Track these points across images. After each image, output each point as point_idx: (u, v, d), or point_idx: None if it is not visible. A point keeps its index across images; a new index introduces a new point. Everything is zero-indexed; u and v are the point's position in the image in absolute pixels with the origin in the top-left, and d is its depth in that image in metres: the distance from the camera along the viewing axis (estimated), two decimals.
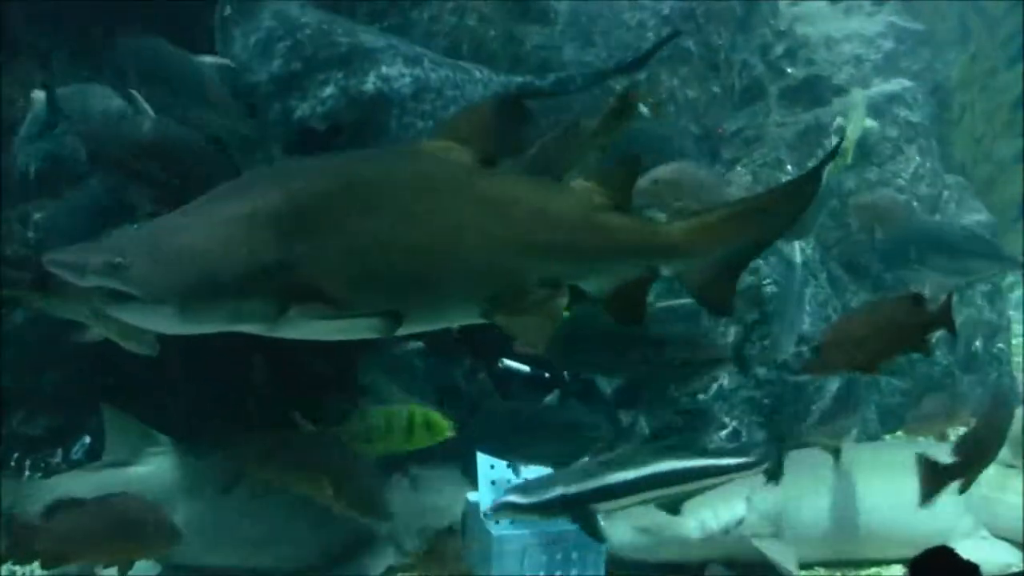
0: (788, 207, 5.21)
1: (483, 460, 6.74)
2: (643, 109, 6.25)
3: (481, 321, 4.62)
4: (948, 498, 6.71)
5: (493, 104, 5.24)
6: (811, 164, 5.44)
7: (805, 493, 7.00)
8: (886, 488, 7.00)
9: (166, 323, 4.09)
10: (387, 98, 6.90)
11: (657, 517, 6.65)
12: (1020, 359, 10.45)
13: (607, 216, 4.92)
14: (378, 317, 4.24)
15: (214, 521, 6.54)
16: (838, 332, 6.23)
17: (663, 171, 6.65)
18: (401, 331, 4.46)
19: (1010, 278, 10.90)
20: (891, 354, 6.28)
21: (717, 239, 5.06)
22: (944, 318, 6.11)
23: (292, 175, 4.40)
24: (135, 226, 4.57)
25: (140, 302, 3.95)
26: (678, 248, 5.03)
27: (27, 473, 6.95)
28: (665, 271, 5.06)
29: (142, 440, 6.61)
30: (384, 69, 6.91)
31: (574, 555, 6.62)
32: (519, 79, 7.37)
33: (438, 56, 7.30)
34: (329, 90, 6.82)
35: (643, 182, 6.29)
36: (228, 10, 7.22)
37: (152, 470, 6.56)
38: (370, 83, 6.84)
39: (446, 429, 6.27)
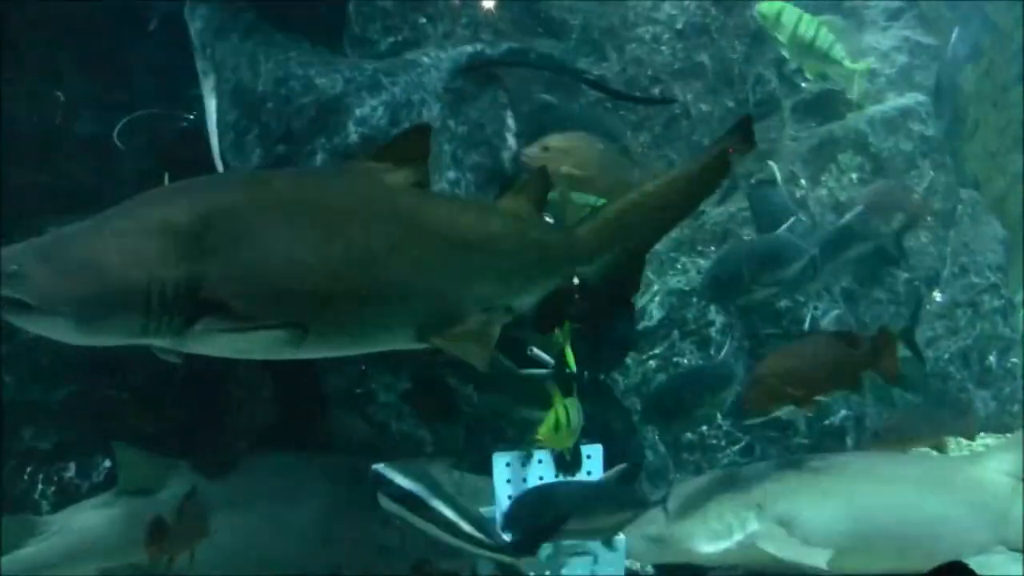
0: (690, 192, 5.20)
1: (499, 475, 6.72)
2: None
3: (418, 345, 4.57)
4: (963, 512, 6.73)
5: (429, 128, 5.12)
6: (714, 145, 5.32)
7: (817, 503, 6.95)
8: (899, 500, 6.94)
9: (64, 334, 4.03)
10: (371, 139, 6.83)
11: (669, 528, 6.64)
12: None
13: (536, 232, 4.95)
14: (285, 332, 4.16)
15: (234, 541, 6.52)
16: (767, 370, 6.20)
17: (555, 138, 6.37)
18: (325, 353, 4.49)
19: (1022, 292, 10.87)
20: (822, 392, 6.24)
21: (622, 233, 5.07)
22: (881, 361, 6.07)
23: (207, 189, 4.36)
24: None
25: (38, 311, 3.91)
26: (591, 250, 5.04)
27: (40, 487, 6.92)
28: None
29: (156, 470, 6.59)
30: (358, 112, 6.83)
31: (596, 567, 6.59)
32: (469, 49, 7.29)
33: (382, 63, 7.15)
34: (320, 157, 6.71)
35: (532, 149, 6.22)
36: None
37: (166, 497, 6.54)
38: (353, 134, 6.70)
39: None
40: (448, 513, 6.13)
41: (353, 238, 4.33)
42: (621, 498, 6.50)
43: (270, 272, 4.15)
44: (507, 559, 6.13)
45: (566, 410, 6.14)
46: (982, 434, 9.27)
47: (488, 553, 6.16)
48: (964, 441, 8.95)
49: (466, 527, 6.13)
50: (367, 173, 4.58)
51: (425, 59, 7.10)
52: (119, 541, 6.37)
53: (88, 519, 6.51)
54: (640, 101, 7.97)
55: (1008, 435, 9.12)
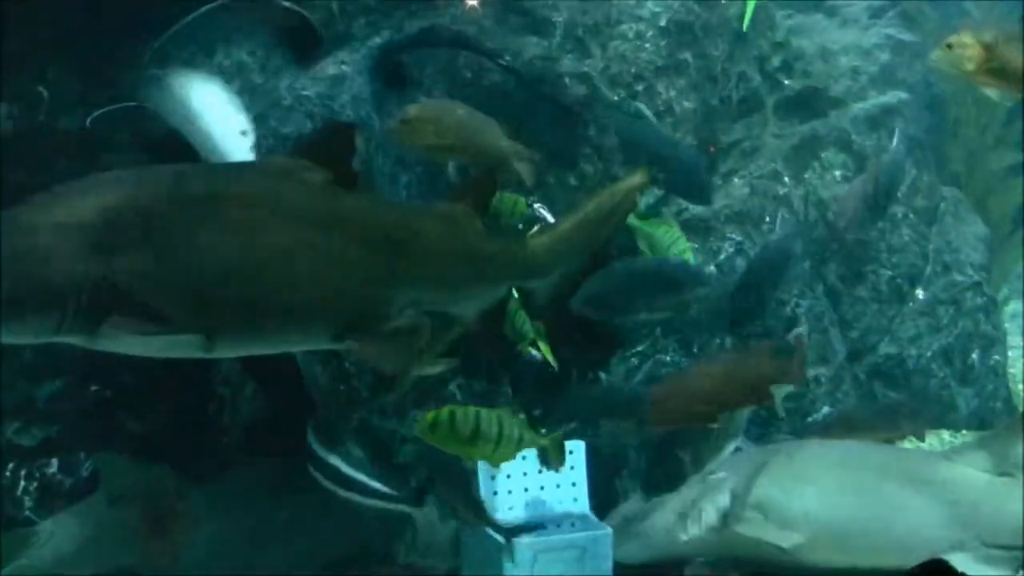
0: (622, 209, 5.37)
1: (485, 471, 6.74)
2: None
3: (336, 347, 4.51)
4: (938, 508, 6.76)
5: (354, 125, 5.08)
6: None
7: (794, 488, 6.95)
8: (875, 489, 6.96)
9: None
10: None
11: (649, 521, 6.67)
12: (1017, 371, 10.44)
13: (474, 239, 4.89)
14: (196, 334, 4.09)
15: (220, 545, 6.52)
16: (672, 387, 6.17)
17: (414, 108, 6.14)
18: (240, 352, 4.45)
19: (1005, 290, 10.92)
20: (732, 407, 6.23)
21: (570, 249, 5.15)
22: (790, 375, 6.07)
23: (120, 185, 4.21)
24: None
25: None
26: (540, 266, 5.06)
27: (22, 484, 6.91)
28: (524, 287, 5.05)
29: (138, 476, 6.58)
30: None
31: (582, 562, 6.60)
32: (379, 40, 7.34)
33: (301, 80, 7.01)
34: None
35: (394, 122, 6.04)
36: None
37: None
38: None
39: None
40: (344, 467, 6.12)
41: (269, 237, 4.24)
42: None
43: (182, 271, 4.07)
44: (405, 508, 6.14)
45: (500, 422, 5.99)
46: (964, 432, 9.33)
47: (384, 504, 6.15)
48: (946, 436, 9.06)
49: (362, 478, 6.12)
50: (287, 171, 4.48)
51: (332, 69, 7.06)
52: (109, 546, 6.38)
53: (76, 527, 6.50)
54: (550, 98, 7.90)
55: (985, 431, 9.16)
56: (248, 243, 4.18)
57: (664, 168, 7.25)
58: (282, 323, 4.36)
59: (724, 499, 6.84)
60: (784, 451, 7.14)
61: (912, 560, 6.52)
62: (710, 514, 6.80)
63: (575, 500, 7.04)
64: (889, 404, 8.90)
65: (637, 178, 5.39)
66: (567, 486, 6.98)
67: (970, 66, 6.29)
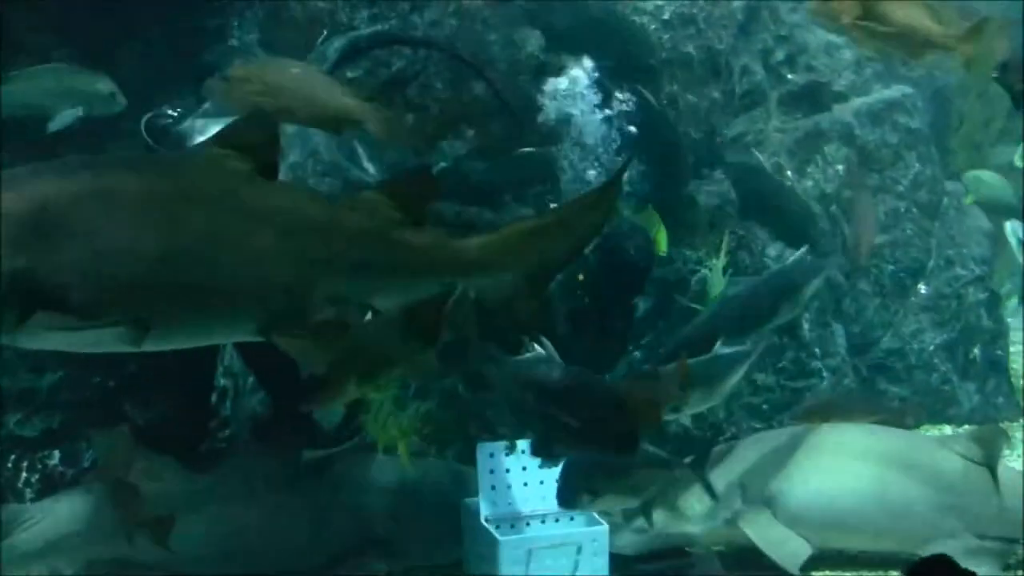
0: (589, 219, 5.15)
1: (483, 465, 6.74)
2: None
3: (260, 339, 4.41)
4: (932, 497, 6.78)
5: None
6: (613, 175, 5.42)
7: (797, 481, 6.98)
8: (875, 477, 6.99)
9: None
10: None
11: (656, 511, 6.68)
12: (1019, 366, 10.45)
13: (400, 232, 4.74)
14: (124, 328, 3.99)
15: (216, 534, 6.51)
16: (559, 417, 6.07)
17: (241, 66, 5.81)
18: (165, 346, 4.31)
19: (1007, 285, 10.92)
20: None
21: (517, 254, 4.95)
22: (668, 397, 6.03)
23: (41, 176, 4.09)
24: None
25: None
26: (476, 264, 4.89)
27: (24, 475, 6.90)
28: (465, 287, 4.94)
29: (138, 462, 6.57)
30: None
31: (579, 558, 6.60)
32: (336, 44, 7.37)
33: None
34: None
35: (212, 81, 5.75)
36: None
37: (150, 490, 6.53)
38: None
39: None
40: None
41: (192, 227, 4.14)
42: None
43: (106, 263, 3.96)
44: None
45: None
46: (966, 426, 9.33)
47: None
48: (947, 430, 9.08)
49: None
50: (210, 160, 4.39)
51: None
52: (104, 533, 6.36)
53: (71, 509, 6.49)
54: (509, 100, 7.89)
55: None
56: (171, 234, 4.08)
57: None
58: (206, 315, 4.30)
59: (735, 497, 6.92)
60: (786, 439, 7.17)
61: (910, 546, 6.65)
62: (720, 507, 6.85)
63: None
64: (869, 392, 8.90)
65: (609, 192, 5.24)
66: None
67: (845, 19, 6.26)
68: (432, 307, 4.88)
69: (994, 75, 6.59)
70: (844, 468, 6.99)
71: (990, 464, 6.90)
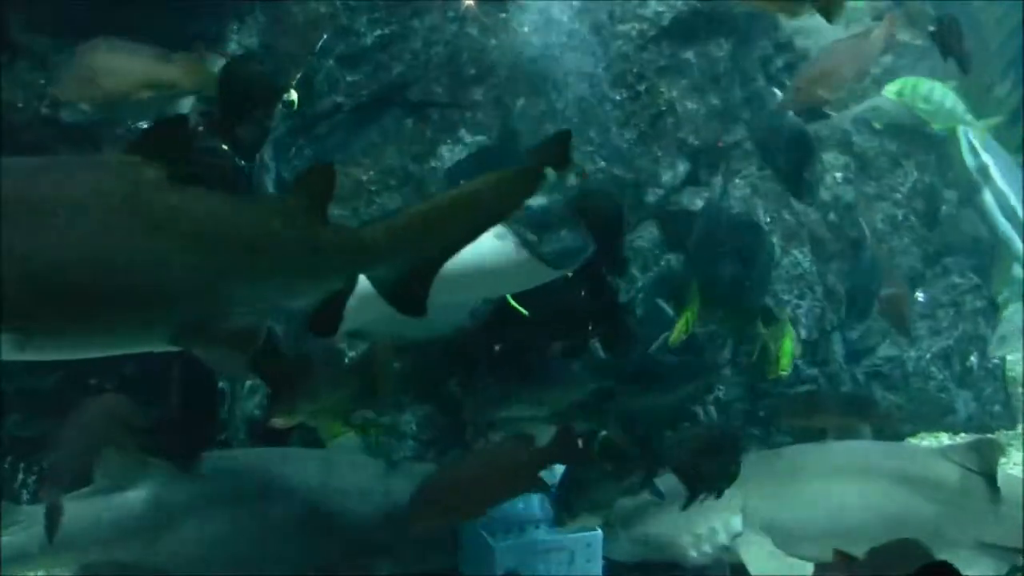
0: (493, 205, 5.09)
1: None
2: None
3: (172, 348, 4.34)
4: (933, 509, 6.80)
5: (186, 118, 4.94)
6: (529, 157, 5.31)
7: (797, 505, 7.01)
8: (872, 494, 7.03)
9: None
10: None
11: (655, 529, 6.69)
12: (1016, 374, 10.45)
13: (313, 231, 4.69)
14: (10, 335, 3.90)
15: (210, 537, 6.52)
16: (436, 484, 5.99)
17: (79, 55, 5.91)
18: (66, 355, 4.29)
19: (1005, 293, 10.91)
20: (500, 499, 6.09)
21: (414, 239, 4.89)
22: (565, 455, 5.98)
23: None
24: None
25: None
26: (379, 253, 4.84)
27: (20, 476, 6.91)
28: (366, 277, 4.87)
29: (133, 467, 6.58)
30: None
31: (574, 564, 6.61)
32: None
33: None
34: None
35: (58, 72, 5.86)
36: None
37: (145, 494, 6.54)
38: None
39: None
40: None
41: (92, 234, 4.03)
42: None
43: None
44: None
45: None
46: (962, 434, 9.35)
47: None
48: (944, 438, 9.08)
49: None
50: (116, 166, 4.30)
51: None
52: (99, 536, 6.37)
53: (69, 513, 6.50)
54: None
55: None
56: (64, 239, 3.97)
57: None
58: (109, 324, 4.18)
59: (736, 521, 6.94)
60: (786, 461, 7.20)
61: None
62: (720, 534, 6.89)
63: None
64: (844, 394, 8.87)
65: (519, 173, 5.15)
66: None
67: None
68: (336, 301, 4.80)
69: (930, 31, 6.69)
70: (845, 488, 7.02)
71: (989, 473, 6.94)
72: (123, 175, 4.24)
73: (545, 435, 6.04)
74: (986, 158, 9.78)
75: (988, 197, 9.87)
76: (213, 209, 4.47)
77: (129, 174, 4.25)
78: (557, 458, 6.05)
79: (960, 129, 9.81)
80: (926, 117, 9.32)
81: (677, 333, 7.16)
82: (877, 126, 9.20)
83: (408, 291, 4.95)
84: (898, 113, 9.25)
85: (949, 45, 7.48)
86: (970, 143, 9.84)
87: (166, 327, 4.27)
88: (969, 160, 9.87)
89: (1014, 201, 9.81)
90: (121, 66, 6.23)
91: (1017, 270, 10.41)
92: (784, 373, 7.34)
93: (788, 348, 6.78)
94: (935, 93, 9.15)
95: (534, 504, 6.66)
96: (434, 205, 5.10)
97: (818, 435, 7.81)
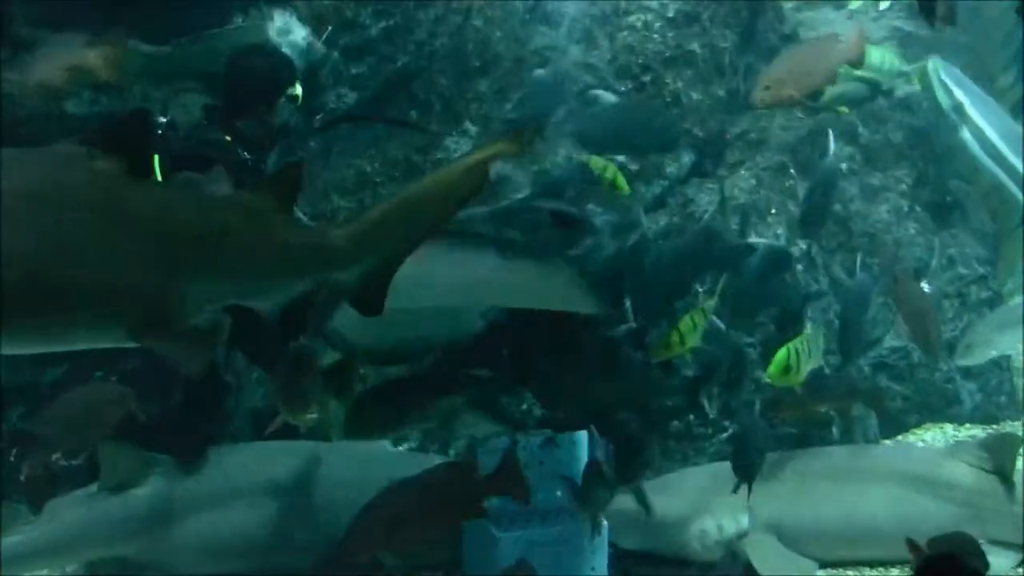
0: (451, 197, 5.03)
1: (485, 463, 6.73)
2: None
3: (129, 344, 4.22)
4: (946, 510, 6.79)
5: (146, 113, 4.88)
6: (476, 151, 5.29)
7: (804, 505, 7.02)
8: (883, 496, 7.02)
9: None
10: None
11: (661, 519, 6.70)
12: (1020, 366, 10.43)
13: (279, 229, 4.64)
14: None
15: (215, 532, 6.53)
16: (370, 515, 5.86)
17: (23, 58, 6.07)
18: (18, 350, 4.07)
19: (1009, 284, 10.90)
20: (440, 532, 6.01)
21: (377, 239, 4.85)
22: (508, 486, 5.93)
23: None
24: None
25: None
26: (347, 253, 4.80)
27: (25, 472, 6.91)
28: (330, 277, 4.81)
29: (138, 464, 6.58)
30: None
31: (578, 555, 6.60)
32: None
33: None
34: None
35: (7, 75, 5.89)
36: None
37: (150, 491, 6.54)
38: None
39: None
40: None
41: (44, 228, 3.91)
42: None
43: None
44: None
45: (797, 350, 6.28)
46: (967, 425, 9.34)
47: None
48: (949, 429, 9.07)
49: None
50: (73, 158, 4.19)
51: None
52: (105, 534, 6.38)
53: (74, 511, 6.51)
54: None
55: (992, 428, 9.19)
56: (21, 234, 3.83)
57: None
58: (64, 320, 4.05)
59: (743, 519, 6.99)
60: (796, 463, 7.20)
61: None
62: (726, 531, 6.95)
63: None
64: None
65: (478, 159, 5.11)
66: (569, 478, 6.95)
67: None
68: (304, 302, 4.76)
69: None
70: (854, 489, 7.02)
71: (1003, 472, 6.92)
72: (77, 167, 4.15)
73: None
74: (960, 95, 9.54)
75: (966, 135, 9.65)
76: (172, 203, 4.40)
77: (84, 166, 4.15)
78: (500, 488, 6.00)
79: (931, 68, 9.62)
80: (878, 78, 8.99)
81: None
82: (845, 110, 9.02)
83: (368, 292, 4.92)
84: (856, 91, 9.08)
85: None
86: (942, 82, 9.62)
87: (122, 323, 4.16)
88: (943, 99, 9.62)
89: (992, 136, 9.59)
90: (49, 56, 6.28)
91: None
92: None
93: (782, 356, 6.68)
94: (884, 60, 8.87)
95: (553, 494, 6.65)
96: (401, 200, 5.05)
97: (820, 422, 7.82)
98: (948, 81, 9.47)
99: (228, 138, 6.34)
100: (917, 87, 9.67)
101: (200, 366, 4.51)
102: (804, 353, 6.44)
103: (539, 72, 7.80)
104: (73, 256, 3.95)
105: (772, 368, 6.48)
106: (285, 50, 7.00)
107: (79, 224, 3.98)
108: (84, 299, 4.02)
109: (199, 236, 4.35)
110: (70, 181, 4.08)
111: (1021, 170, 9.49)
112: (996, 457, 6.96)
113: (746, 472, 6.37)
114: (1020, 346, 10.08)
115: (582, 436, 6.75)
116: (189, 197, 4.65)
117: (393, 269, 4.95)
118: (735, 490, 6.39)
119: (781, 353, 6.43)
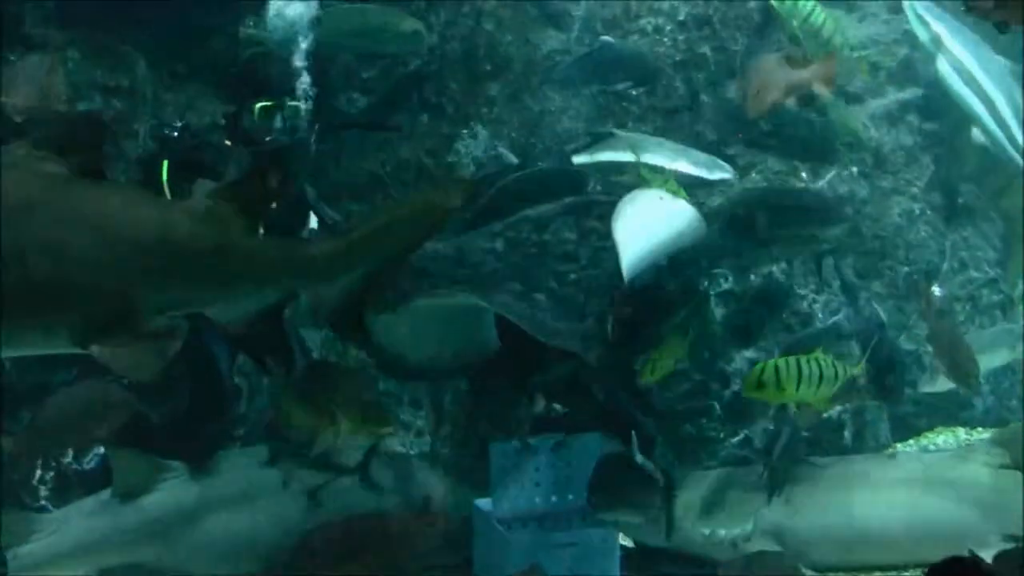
0: (428, 219, 5.03)
1: (495, 465, 6.74)
2: None
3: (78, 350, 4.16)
4: (959, 508, 6.78)
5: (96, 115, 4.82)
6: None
7: (812, 511, 7.02)
8: (895, 504, 7.02)
9: None
10: None
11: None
12: None
13: (237, 238, 4.53)
14: None
15: (227, 534, 6.54)
16: (319, 538, 6.04)
17: None
18: None
19: (1021, 287, 10.86)
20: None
21: (357, 258, 4.81)
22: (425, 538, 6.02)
23: None
24: None
25: None
26: (320, 270, 4.73)
27: (38, 472, 6.91)
28: (305, 294, 4.79)
29: (150, 471, 6.59)
30: None
31: (588, 557, 6.60)
32: None
33: None
34: None
35: None
36: None
37: (162, 496, 6.55)
38: None
39: None
40: None
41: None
42: None
43: None
44: None
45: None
46: (979, 428, 9.31)
47: None
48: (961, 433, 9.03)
49: None
50: (26, 160, 4.13)
51: None
52: (117, 541, 6.39)
53: (86, 518, 6.52)
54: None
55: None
56: None
57: None
58: (13, 324, 3.95)
59: (748, 525, 7.03)
60: (806, 471, 7.20)
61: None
62: (732, 534, 6.98)
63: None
64: None
65: (448, 197, 5.09)
66: (580, 480, 6.95)
67: None
68: (273, 313, 4.71)
69: None
70: (863, 497, 7.03)
71: (1017, 466, 6.90)
72: (26, 171, 4.09)
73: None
74: (938, 27, 9.36)
75: (943, 66, 9.49)
76: (122, 207, 4.31)
77: (32, 169, 4.10)
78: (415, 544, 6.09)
79: (906, 3, 9.40)
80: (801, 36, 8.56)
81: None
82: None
83: (345, 314, 4.91)
84: None
85: None
86: (918, 15, 9.48)
87: (73, 328, 4.10)
88: (920, 33, 9.37)
89: (971, 66, 9.44)
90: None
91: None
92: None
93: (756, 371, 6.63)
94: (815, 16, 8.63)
95: (567, 497, 6.66)
96: (378, 225, 5.04)
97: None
98: (925, 14, 9.34)
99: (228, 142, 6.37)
100: (919, 91, 9.66)
101: (149, 376, 4.36)
102: (789, 373, 6.34)
103: (606, 39, 7.92)
104: (16, 259, 3.88)
105: (745, 382, 6.45)
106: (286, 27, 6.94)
107: (22, 227, 3.90)
108: (30, 304, 3.96)
109: (154, 242, 4.27)
110: (17, 182, 4.00)
111: (1002, 101, 9.39)
112: (1012, 451, 6.94)
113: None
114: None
115: (593, 438, 6.77)
116: (142, 201, 4.57)
117: (370, 293, 4.92)
118: (771, 497, 6.59)
119: (756, 367, 6.37)
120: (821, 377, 6.29)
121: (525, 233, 6.10)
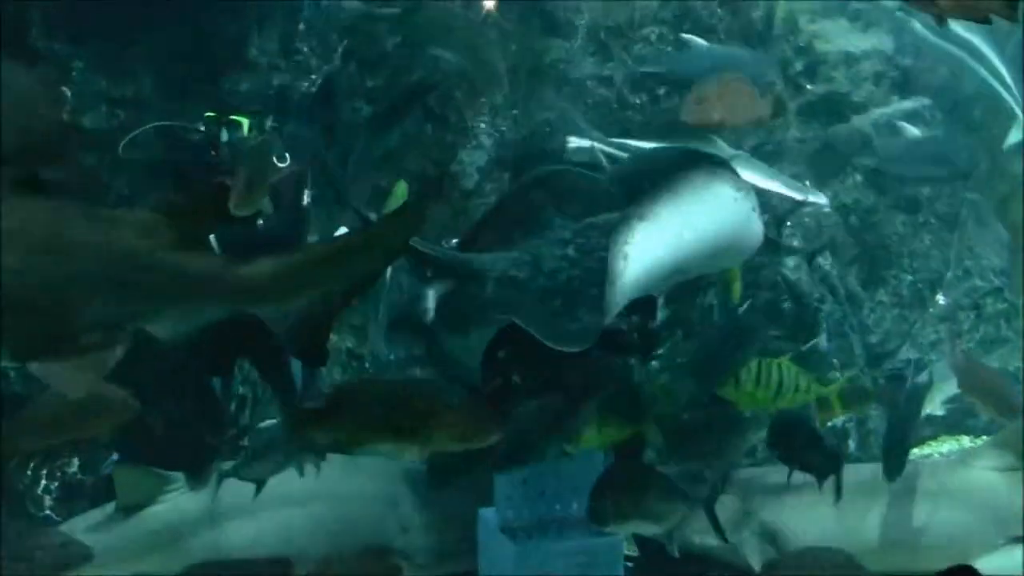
0: (385, 244, 4.95)
1: (501, 476, 6.74)
2: None
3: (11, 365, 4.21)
4: (961, 513, 6.79)
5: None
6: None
7: (808, 516, 7.01)
8: (891, 509, 7.01)
9: None
10: None
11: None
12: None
13: (175, 252, 4.38)
14: None
15: (231, 546, 6.55)
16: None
17: None
18: None
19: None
20: None
21: (306, 281, 4.69)
22: None
23: None
24: None
25: None
26: (262, 290, 4.58)
27: (43, 482, 6.92)
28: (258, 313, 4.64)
29: (153, 484, 6.60)
30: None
31: (595, 568, 6.59)
32: None
33: None
34: None
35: None
36: None
37: (167, 507, 6.57)
38: None
39: None
40: None
41: None
42: None
43: None
44: None
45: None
46: (983, 437, 9.30)
47: None
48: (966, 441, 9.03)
49: None
50: None
51: None
52: (123, 554, 6.41)
53: (92, 531, 6.53)
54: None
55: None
56: None
57: None
58: None
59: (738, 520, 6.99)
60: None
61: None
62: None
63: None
64: None
65: (407, 215, 5.08)
66: (583, 489, 6.94)
67: None
68: (225, 331, 4.62)
69: None
70: (859, 504, 7.01)
71: (1018, 468, 6.90)
72: None
73: None
74: None
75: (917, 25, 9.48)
76: (63, 221, 4.19)
77: None
78: None
79: None
80: None
81: None
82: None
83: (304, 338, 4.83)
84: None
85: None
86: None
87: (5, 344, 4.01)
88: None
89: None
90: None
91: None
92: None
93: None
94: None
95: (570, 506, 6.66)
96: (333, 248, 5.00)
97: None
98: None
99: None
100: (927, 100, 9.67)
101: (82, 392, 4.41)
102: (754, 380, 6.35)
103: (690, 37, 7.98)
104: None
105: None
106: None
107: None
108: None
109: (88, 255, 4.17)
110: None
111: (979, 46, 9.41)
112: (1013, 452, 6.93)
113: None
114: None
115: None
116: (77, 212, 4.34)
117: (328, 317, 4.83)
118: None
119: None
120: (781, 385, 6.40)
121: (594, 239, 6.00)
